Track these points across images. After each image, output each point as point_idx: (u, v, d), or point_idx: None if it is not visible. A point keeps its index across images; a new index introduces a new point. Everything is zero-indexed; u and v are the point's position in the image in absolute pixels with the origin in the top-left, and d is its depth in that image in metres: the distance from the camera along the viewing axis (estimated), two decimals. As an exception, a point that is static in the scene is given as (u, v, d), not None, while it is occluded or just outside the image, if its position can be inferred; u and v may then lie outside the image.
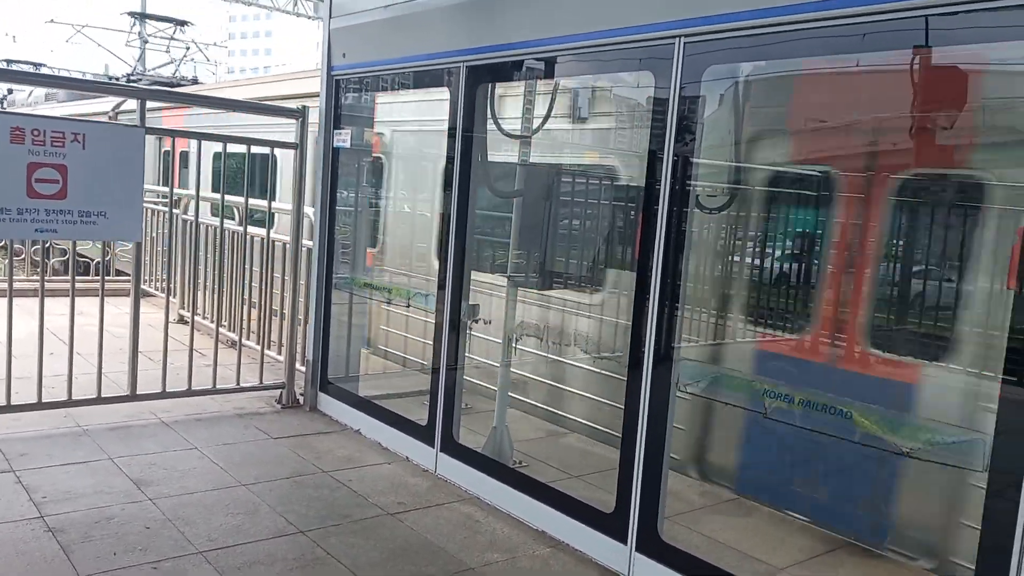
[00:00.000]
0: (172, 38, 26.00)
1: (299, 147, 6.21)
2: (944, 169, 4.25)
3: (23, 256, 10.93)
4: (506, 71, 4.92)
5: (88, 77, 23.86)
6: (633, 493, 3.91)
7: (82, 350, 5.63)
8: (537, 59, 4.67)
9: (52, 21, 30.40)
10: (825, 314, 4.57)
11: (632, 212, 5.81)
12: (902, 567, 4.23)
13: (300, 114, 6.22)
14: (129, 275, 6.18)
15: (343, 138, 6.14)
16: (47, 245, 9.08)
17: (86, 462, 4.82)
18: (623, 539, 3.95)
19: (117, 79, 22.27)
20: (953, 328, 4.07)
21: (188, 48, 26.66)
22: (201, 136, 6.07)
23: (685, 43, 3.70)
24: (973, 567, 2.89)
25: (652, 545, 3.85)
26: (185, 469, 4.84)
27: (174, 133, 5.70)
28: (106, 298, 5.71)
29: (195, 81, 22.18)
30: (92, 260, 10.27)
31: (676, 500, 4.69)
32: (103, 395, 5.60)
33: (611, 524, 4.01)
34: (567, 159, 6.39)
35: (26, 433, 5.18)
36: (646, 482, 3.87)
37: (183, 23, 26.11)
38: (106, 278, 5.82)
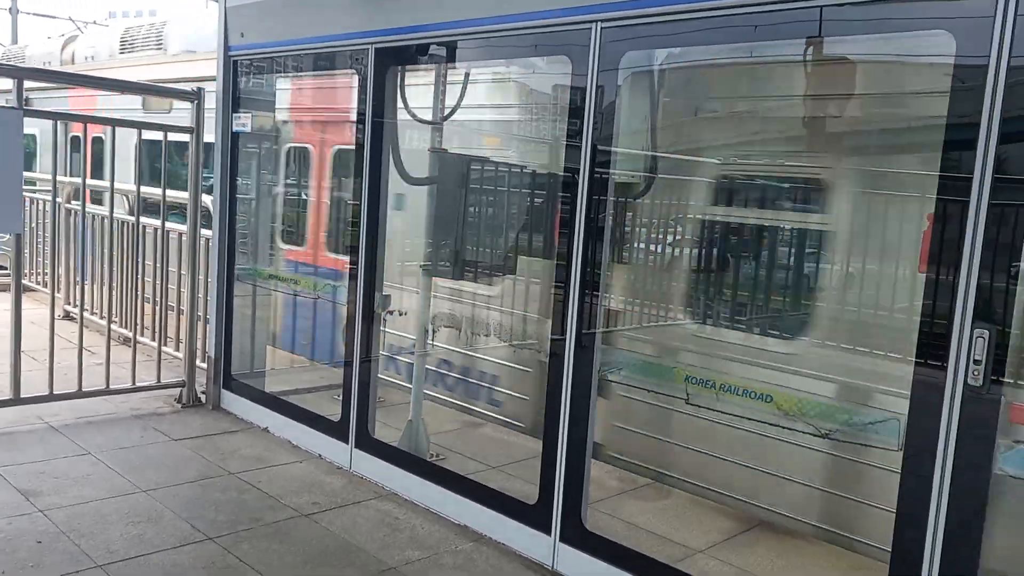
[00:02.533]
0: None
1: (195, 131, 5.88)
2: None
3: None
4: (417, 54, 4.77)
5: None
6: (556, 483, 3.88)
7: (-43, 352, 5.19)
8: (449, 43, 4.55)
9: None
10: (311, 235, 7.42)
11: (544, 200, 5.79)
12: (814, 544, 4.37)
13: (196, 96, 5.89)
14: (7, 269, 5.73)
15: (243, 122, 5.85)
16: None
17: (-35, 474, 4.44)
18: (547, 530, 3.92)
19: None
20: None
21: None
22: (87, 119, 5.67)
23: (603, 28, 3.66)
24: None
25: (576, 534, 3.83)
26: (78, 476, 4.53)
27: (56, 116, 5.28)
28: (-17, 295, 5.28)
29: None
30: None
31: (595, 487, 4.69)
32: (-18, 400, 5.18)
33: (535, 515, 3.97)
34: (480, 148, 6.31)
35: None
36: (569, 472, 3.85)
37: None
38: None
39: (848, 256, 4.58)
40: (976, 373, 2.66)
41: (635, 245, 5.49)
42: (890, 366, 3.97)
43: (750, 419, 3.37)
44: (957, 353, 2.72)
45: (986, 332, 2.64)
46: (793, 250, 4.92)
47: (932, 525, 2.77)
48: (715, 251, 5.21)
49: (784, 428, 3.25)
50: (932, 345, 2.81)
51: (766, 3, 3.17)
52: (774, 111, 4.87)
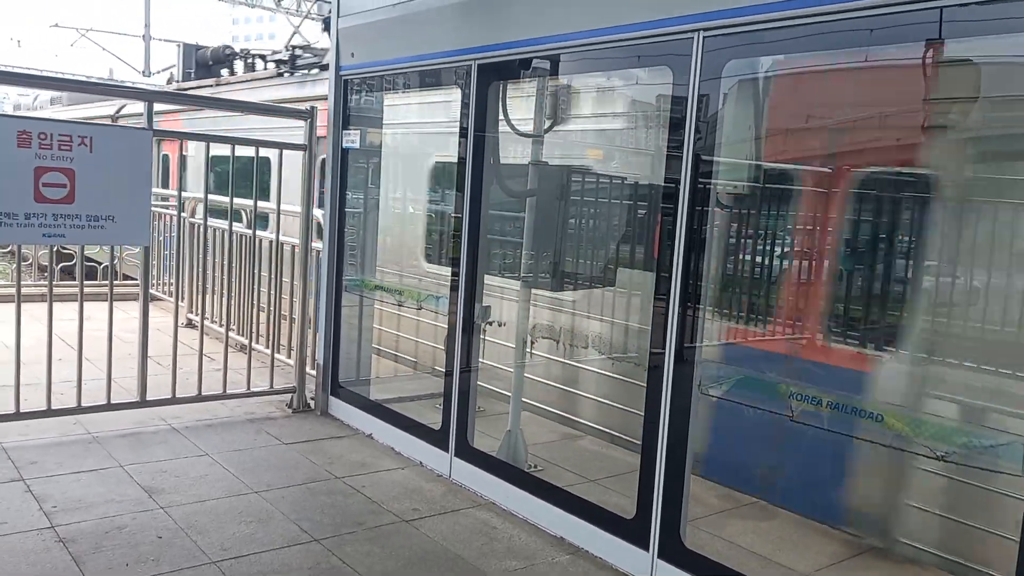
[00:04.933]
0: None
1: (308, 148, 6.14)
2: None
3: (30, 261, 10.90)
4: (518, 69, 4.83)
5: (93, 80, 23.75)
6: (655, 498, 3.82)
7: (91, 356, 5.56)
8: (549, 57, 4.58)
9: (56, 25, 30.32)
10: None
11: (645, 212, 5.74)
12: (927, 570, 4.14)
13: (309, 115, 6.14)
14: (136, 279, 6.12)
15: (352, 139, 6.06)
16: (55, 250, 9.04)
17: (96, 470, 4.75)
18: (645, 545, 3.86)
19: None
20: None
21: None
22: (209, 138, 6.00)
23: (704, 38, 3.62)
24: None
25: (675, 551, 3.76)
26: (196, 476, 4.78)
27: (183, 136, 5.66)
28: (114, 303, 5.65)
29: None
30: (99, 264, 10.22)
31: (696, 504, 4.60)
32: (113, 401, 5.53)
33: (632, 530, 3.92)
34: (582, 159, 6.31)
35: (36, 441, 5.12)
36: (668, 487, 3.79)
37: None
38: (114, 282, 5.76)
39: (971, 268, 4.34)
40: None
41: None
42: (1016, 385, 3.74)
43: (859, 438, 3.23)
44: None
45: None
46: (912, 262, 4.69)
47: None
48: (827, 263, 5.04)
49: (896, 449, 3.09)
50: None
51: (867, 7, 3.05)
52: (892, 117, 4.67)
